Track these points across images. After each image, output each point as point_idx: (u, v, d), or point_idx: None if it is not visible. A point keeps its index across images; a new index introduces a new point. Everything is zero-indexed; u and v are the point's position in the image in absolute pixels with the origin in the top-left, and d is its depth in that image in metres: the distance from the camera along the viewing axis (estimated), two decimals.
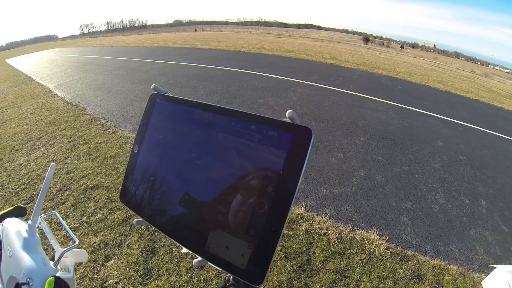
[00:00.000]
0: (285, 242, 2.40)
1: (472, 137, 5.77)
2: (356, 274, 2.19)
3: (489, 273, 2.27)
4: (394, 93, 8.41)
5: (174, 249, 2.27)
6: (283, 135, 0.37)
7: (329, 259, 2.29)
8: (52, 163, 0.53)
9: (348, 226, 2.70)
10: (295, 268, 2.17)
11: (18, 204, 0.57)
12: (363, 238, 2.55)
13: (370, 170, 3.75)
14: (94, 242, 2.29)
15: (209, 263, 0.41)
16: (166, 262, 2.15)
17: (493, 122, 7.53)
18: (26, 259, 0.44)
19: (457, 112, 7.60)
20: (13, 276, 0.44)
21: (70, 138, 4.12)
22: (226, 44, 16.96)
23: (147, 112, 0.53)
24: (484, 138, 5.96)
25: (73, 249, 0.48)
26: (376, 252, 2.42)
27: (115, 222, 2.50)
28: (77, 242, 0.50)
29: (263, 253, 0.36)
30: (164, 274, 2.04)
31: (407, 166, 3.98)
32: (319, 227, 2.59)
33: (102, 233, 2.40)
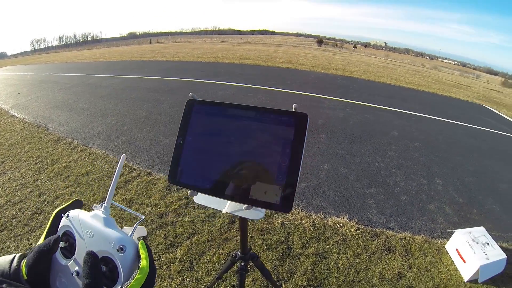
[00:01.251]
0: (264, 235, 2.77)
1: (424, 125, 6.78)
2: (333, 254, 2.64)
3: (450, 237, 2.89)
4: (350, 92, 9.44)
5: (161, 255, 2.51)
6: (291, 117, 0.66)
7: (307, 245, 2.71)
8: (123, 154, 0.70)
9: (320, 214, 3.17)
10: (277, 257, 2.54)
11: (76, 198, 0.68)
12: (335, 223, 3.03)
13: (334, 163, 4.32)
14: None
15: (253, 206, 0.66)
16: (156, 269, 2.38)
17: (443, 110, 8.85)
18: (112, 233, 0.56)
19: (409, 104, 8.78)
20: (91, 251, 0.53)
21: (37, 159, 4.11)
22: (183, 55, 17.41)
23: (187, 112, 0.77)
24: (436, 125, 7.05)
25: (138, 226, 0.63)
26: (349, 233, 2.90)
27: None
28: (143, 217, 0.67)
29: (289, 191, 0.62)
30: (156, 281, 2.27)
31: (367, 157, 4.66)
32: (293, 218, 3.02)
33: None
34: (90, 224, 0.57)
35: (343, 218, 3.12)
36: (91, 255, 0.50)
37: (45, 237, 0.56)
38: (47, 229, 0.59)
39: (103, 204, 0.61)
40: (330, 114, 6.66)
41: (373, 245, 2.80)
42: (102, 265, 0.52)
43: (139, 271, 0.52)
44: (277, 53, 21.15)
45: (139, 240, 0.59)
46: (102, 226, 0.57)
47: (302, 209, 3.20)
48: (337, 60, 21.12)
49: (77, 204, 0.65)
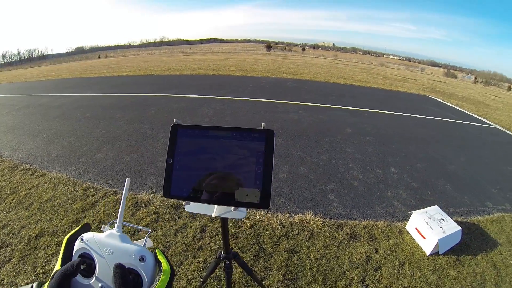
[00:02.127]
0: (236, 239, 2.99)
1: (376, 120, 7.51)
2: (304, 248, 2.92)
3: (409, 219, 3.33)
4: (301, 94, 10.09)
5: None
6: (261, 134, 0.87)
7: (278, 243, 2.97)
8: (128, 178, 0.87)
9: (286, 214, 3.45)
10: (252, 257, 2.77)
11: (84, 223, 0.77)
12: (301, 220, 3.33)
13: (292, 164, 4.67)
14: None
15: (239, 207, 0.90)
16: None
17: (392, 104, 9.81)
18: (130, 247, 0.68)
19: (360, 101, 9.61)
20: (119, 263, 0.63)
21: None
22: (133, 69, 17.16)
23: (173, 135, 0.93)
24: (386, 118, 7.83)
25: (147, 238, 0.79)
26: (315, 228, 3.21)
27: None
28: (150, 230, 0.83)
29: (266, 191, 0.84)
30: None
31: (324, 155, 5.09)
32: (261, 220, 3.27)
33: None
34: (108, 243, 0.68)
35: (308, 214, 3.43)
36: (120, 267, 0.61)
37: (61, 262, 0.66)
38: (62, 255, 0.67)
39: (116, 224, 0.75)
40: (284, 117, 7.11)
41: (340, 235, 3.14)
42: None
43: (162, 273, 0.66)
44: (227, 61, 21.69)
45: (149, 249, 0.74)
46: (120, 242, 0.69)
47: (268, 211, 3.46)
48: (287, 63, 22.20)
49: (86, 228, 0.75)
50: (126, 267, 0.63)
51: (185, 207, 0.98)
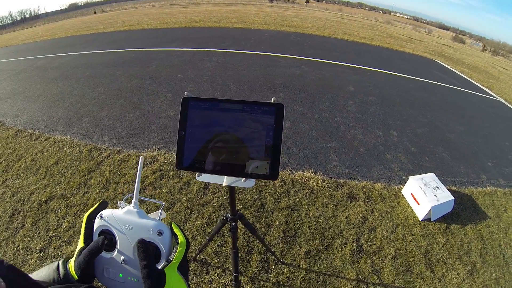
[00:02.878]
0: (238, 195, 3.03)
1: (379, 80, 7.34)
2: (303, 206, 2.99)
3: (405, 183, 3.37)
4: (304, 48, 9.74)
5: None
6: (271, 107, 0.88)
7: (279, 200, 3.03)
8: (141, 156, 0.87)
9: (287, 170, 3.49)
10: (254, 214, 2.84)
11: (101, 200, 0.78)
12: (302, 177, 3.36)
13: (294, 121, 4.63)
14: (72, 251, 2.45)
15: (249, 178, 0.93)
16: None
17: (396, 64, 9.57)
18: (148, 222, 0.70)
19: (364, 59, 9.33)
20: (141, 238, 0.67)
21: (0, 158, 3.87)
22: (132, 23, 16.45)
23: (184, 108, 0.93)
24: (390, 79, 7.66)
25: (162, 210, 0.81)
26: (315, 186, 3.25)
27: None
28: (163, 203, 0.83)
29: (275, 164, 0.87)
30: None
31: (326, 112, 5.03)
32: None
33: (75, 239, 2.59)
34: (126, 219, 0.70)
35: (309, 172, 3.46)
36: (142, 242, 0.65)
37: (84, 240, 0.68)
38: (83, 232, 0.69)
39: (133, 200, 0.75)
40: (286, 72, 6.92)
41: (338, 195, 3.19)
42: None
43: (179, 245, 0.69)
44: (229, 13, 20.77)
45: (163, 221, 0.75)
46: (138, 218, 0.71)
47: None
48: (290, 16, 21.24)
49: (104, 205, 0.76)
50: (147, 241, 0.67)
51: (197, 177, 1.04)
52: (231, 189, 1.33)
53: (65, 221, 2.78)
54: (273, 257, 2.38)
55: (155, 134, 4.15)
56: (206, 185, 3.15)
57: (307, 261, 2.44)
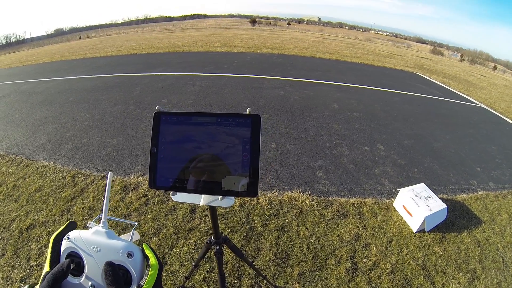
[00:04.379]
0: (226, 219, 2.98)
1: (362, 96, 7.50)
2: (293, 226, 2.94)
3: (396, 196, 3.36)
4: (287, 69, 9.96)
5: None
6: (247, 118, 0.84)
7: (267, 222, 2.98)
8: (109, 171, 0.84)
9: (275, 192, 3.45)
10: (242, 237, 2.77)
11: (69, 220, 0.76)
12: (290, 198, 3.32)
13: (280, 141, 4.64)
14: None
15: (226, 196, 0.86)
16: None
17: (379, 80, 9.82)
18: (117, 243, 0.67)
19: (346, 76, 9.58)
20: (110, 261, 0.63)
21: None
22: (116, 48, 16.65)
23: (156, 123, 0.90)
24: (373, 94, 7.83)
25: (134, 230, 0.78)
26: (304, 206, 3.21)
27: None
28: (136, 223, 0.82)
29: (254, 179, 0.81)
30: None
31: (311, 131, 5.07)
32: (249, 199, 3.24)
33: None
34: (94, 240, 0.67)
35: (297, 192, 3.43)
36: (110, 265, 0.61)
37: (50, 264, 0.65)
38: (50, 255, 0.66)
39: (101, 219, 0.73)
40: (270, 93, 7.01)
41: (329, 213, 3.15)
42: None
43: (151, 268, 0.65)
44: (212, 37, 21.27)
45: (135, 243, 0.72)
46: (106, 239, 0.68)
47: None
48: (272, 38, 21.85)
49: (73, 226, 0.74)
50: (116, 263, 0.63)
51: (172, 197, 0.96)
52: (213, 210, 1.26)
53: (46, 249, 2.67)
54: (265, 281, 2.31)
55: (140, 160, 4.11)
56: (193, 210, 3.09)
57: (300, 283, 2.37)
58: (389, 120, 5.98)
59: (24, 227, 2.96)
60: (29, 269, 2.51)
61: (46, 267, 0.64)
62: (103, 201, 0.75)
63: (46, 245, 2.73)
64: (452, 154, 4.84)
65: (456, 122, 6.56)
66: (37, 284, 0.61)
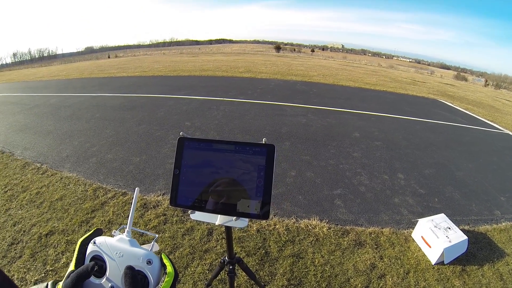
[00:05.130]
0: (242, 243, 3.03)
1: (384, 124, 7.48)
2: (309, 254, 2.95)
3: (415, 227, 3.33)
4: (310, 97, 10.09)
5: None
6: (263, 148, 0.93)
7: (283, 248, 3.01)
8: (136, 187, 0.92)
9: (292, 218, 3.49)
10: (257, 262, 2.81)
11: (96, 227, 0.84)
12: (307, 225, 3.35)
13: (300, 169, 4.69)
14: None
15: (240, 217, 0.94)
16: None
17: (401, 107, 9.75)
18: (139, 251, 0.73)
19: (368, 104, 9.58)
20: (130, 265, 0.68)
21: (6, 187, 4.01)
22: (143, 69, 17.48)
23: (179, 148, 0.99)
24: (395, 122, 7.78)
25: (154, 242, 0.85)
26: (321, 233, 3.24)
27: None
28: (157, 236, 0.89)
29: (266, 204, 0.90)
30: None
31: (331, 160, 5.10)
32: (267, 224, 3.31)
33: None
34: (118, 246, 0.73)
35: (314, 219, 3.46)
36: (131, 269, 0.67)
37: (75, 264, 0.70)
38: (76, 256, 0.72)
39: (126, 229, 0.81)
40: (292, 121, 7.13)
41: (345, 242, 3.15)
42: None
43: (167, 275, 0.70)
44: (237, 63, 21.87)
45: (155, 253, 0.79)
46: (129, 246, 0.74)
47: (274, 215, 3.50)
48: (296, 65, 22.23)
49: (99, 232, 0.80)
50: (136, 268, 0.68)
51: (190, 215, 1.04)
52: (228, 230, 1.34)
53: (63, 256, 2.81)
54: None
55: (161, 180, 4.24)
56: (210, 232, 3.17)
57: None
58: (411, 148, 5.92)
59: (44, 232, 3.12)
60: (44, 273, 2.62)
61: (71, 267, 0.70)
62: (129, 213, 0.83)
63: (63, 253, 2.86)
64: (474, 183, 4.72)
65: (479, 150, 6.39)
66: (61, 280, 0.67)
